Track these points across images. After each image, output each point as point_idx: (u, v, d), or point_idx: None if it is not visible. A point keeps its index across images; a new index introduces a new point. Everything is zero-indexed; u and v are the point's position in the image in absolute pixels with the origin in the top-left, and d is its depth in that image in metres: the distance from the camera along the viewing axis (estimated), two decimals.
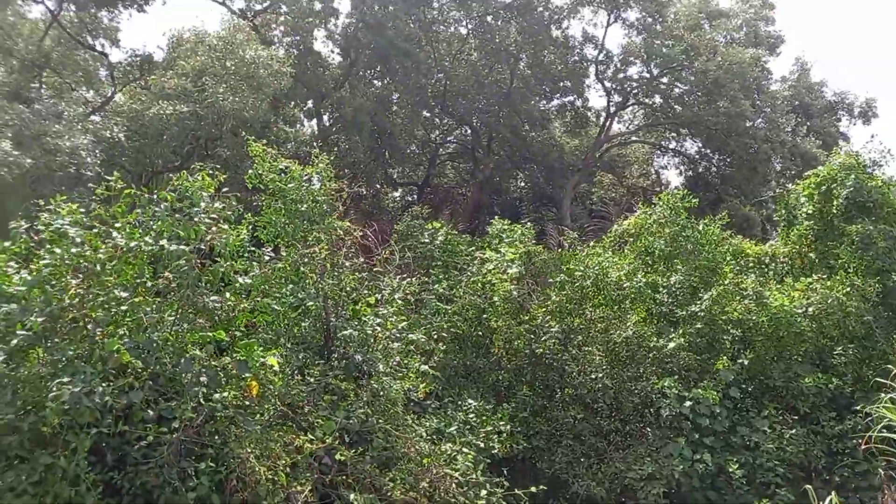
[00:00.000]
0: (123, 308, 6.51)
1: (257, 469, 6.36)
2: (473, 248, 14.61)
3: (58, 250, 6.36)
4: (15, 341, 5.89)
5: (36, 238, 6.67)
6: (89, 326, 6.30)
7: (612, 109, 31.61)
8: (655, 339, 12.21)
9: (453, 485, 7.62)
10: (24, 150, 13.30)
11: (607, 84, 30.63)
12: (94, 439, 5.79)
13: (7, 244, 6.67)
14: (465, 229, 19.63)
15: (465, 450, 8.50)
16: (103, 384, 5.89)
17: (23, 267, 6.55)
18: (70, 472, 5.61)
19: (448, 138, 33.89)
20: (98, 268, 6.48)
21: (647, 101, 31.95)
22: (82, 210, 6.93)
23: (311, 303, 8.65)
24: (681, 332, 12.37)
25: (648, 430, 11.49)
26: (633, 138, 34.91)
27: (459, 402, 10.26)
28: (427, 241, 14.44)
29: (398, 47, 23.91)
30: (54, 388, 5.56)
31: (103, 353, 6.09)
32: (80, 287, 6.33)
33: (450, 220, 19.04)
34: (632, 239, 14.74)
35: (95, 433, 5.78)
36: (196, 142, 16.63)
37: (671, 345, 12.00)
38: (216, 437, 6.51)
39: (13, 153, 12.97)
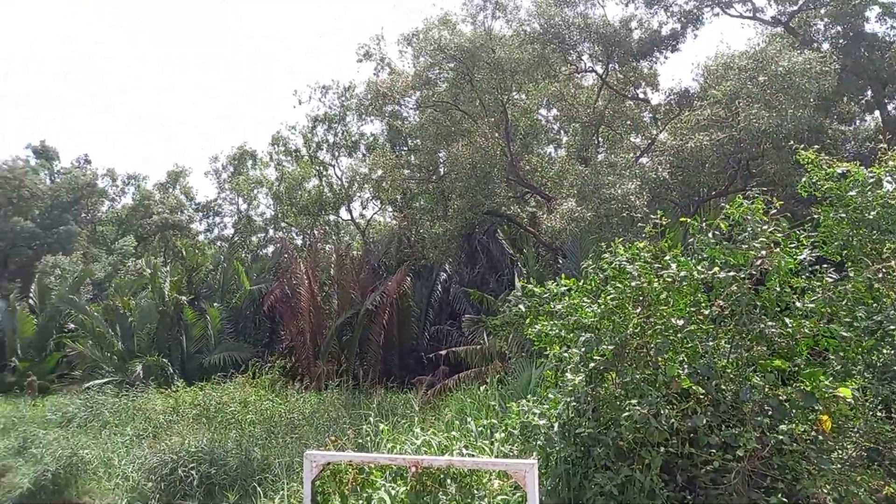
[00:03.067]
0: (680, 335, 6.85)
1: None
2: None
3: (620, 285, 7.17)
4: (592, 365, 6.87)
5: (602, 276, 7.66)
6: (651, 353, 6.85)
7: None
8: None
9: None
10: (586, 204, 15.59)
11: None
12: (664, 458, 6.23)
13: (581, 283, 7.85)
14: None
15: None
16: (668, 407, 6.33)
17: (594, 301, 7.59)
18: (646, 486, 6.17)
19: None
20: (655, 298, 7.02)
21: None
22: (638, 248, 7.64)
23: (892, 326, 7.38)
24: None
25: None
26: None
27: None
28: None
29: None
30: (627, 408, 6.25)
31: (665, 377, 6.52)
32: (641, 317, 6.98)
33: None
34: None
35: (664, 452, 6.23)
36: (738, 164, 16.47)
37: None
38: (786, 472, 6.16)
39: (577, 209, 15.34)
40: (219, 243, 41.38)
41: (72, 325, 28.91)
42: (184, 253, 31.30)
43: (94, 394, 20.98)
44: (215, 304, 26.49)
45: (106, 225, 42.61)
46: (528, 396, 9.43)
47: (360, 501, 5.89)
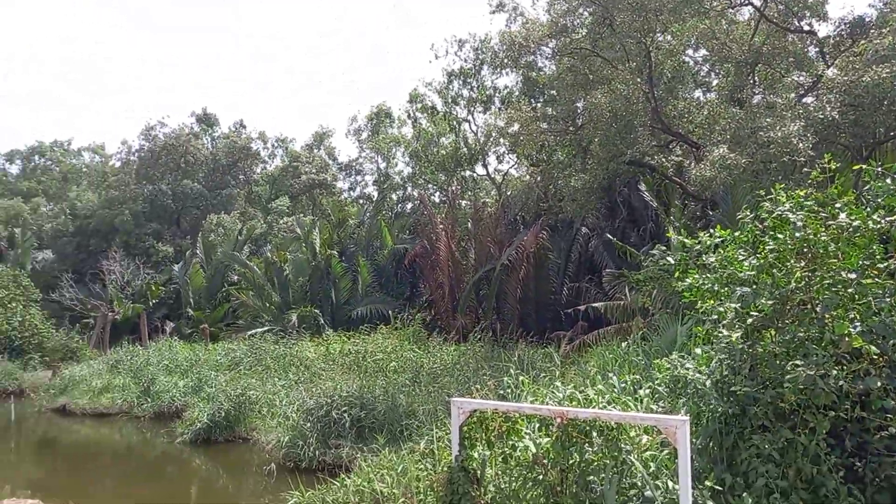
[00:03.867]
0: (851, 290, 6.24)
1: None
2: None
3: (781, 236, 6.62)
4: (749, 321, 6.44)
5: (761, 226, 7.11)
6: (817, 309, 6.30)
7: None
8: None
9: None
10: (740, 150, 14.41)
11: None
12: (831, 422, 5.77)
13: (736, 234, 7.34)
14: None
15: None
16: (836, 368, 5.82)
17: (751, 254, 7.08)
18: (811, 451, 5.76)
19: None
20: (822, 250, 6.42)
21: None
22: (801, 195, 7.00)
23: None
24: None
25: None
26: None
27: None
28: None
29: None
30: (789, 368, 5.82)
31: (833, 336, 5.99)
32: (805, 270, 6.43)
33: None
34: None
35: (833, 416, 5.76)
36: None
37: None
38: None
39: (730, 155, 14.22)
40: (361, 201, 43.22)
41: (235, 279, 31.68)
42: (330, 211, 33.02)
43: (257, 341, 22.99)
44: (360, 258, 27.84)
45: (261, 186, 45.85)
46: (675, 352, 9.10)
47: (506, 448, 6.01)
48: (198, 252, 34.88)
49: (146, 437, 17.11)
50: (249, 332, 25.00)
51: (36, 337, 28.07)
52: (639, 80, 18.34)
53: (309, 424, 13.26)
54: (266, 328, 25.37)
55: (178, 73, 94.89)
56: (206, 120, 46.08)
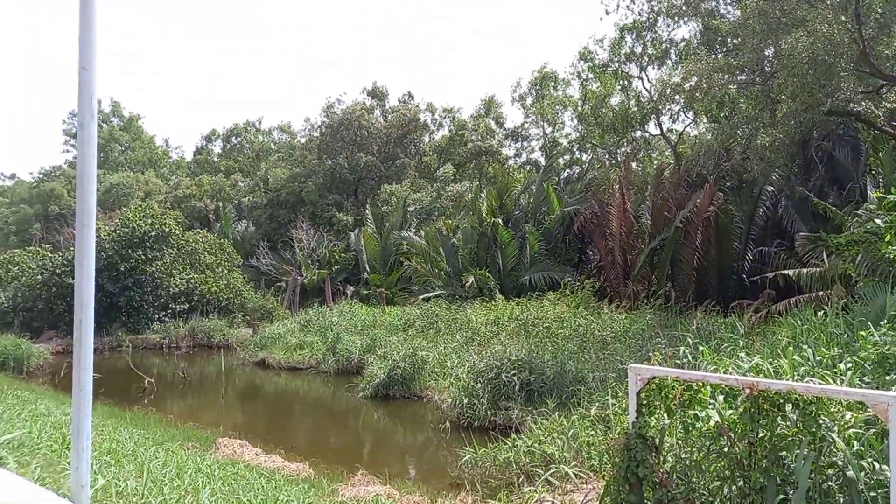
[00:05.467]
0: None
1: None
2: None
3: None
4: None
5: None
6: None
7: None
8: None
9: None
10: None
11: None
12: None
13: None
14: None
15: None
16: None
17: None
18: None
19: None
20: None
21: None
22: None
23: None
24: None
25: None
26: None
27: None
28: None
29: None
30: None
31: None
32: None
33: None
34: None
35: None
36: None
37: None
38: None
39: None
40: (527, 167, 42.98)
41: (406, 246, 33.08)
42: (496, 178, 33.21)
43: (429, 305, 23.93)
44: (527, 225, 27.77)
45: (429, 156, 47.23)
46: (884, 324, 8.10)
47: (687, 418, 5.69)
48: (371, 221, 36.88)
49: (332, 391, 18.60)
50: (422, 297, 26.10)
51: (239, 298, 31.48)
52: (843, 17, 16.17)
53: (479, 386, 13.58)
54: (436, 293, 26.30)
55: (359, 53, 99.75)
56: (377, 94, 48.14)
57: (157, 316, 29.55)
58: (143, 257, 29.45)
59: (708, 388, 5.73)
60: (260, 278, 36.50)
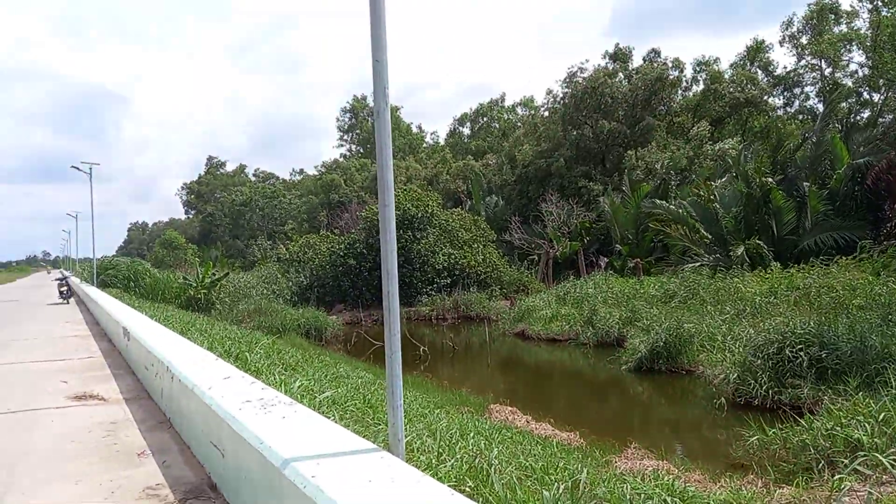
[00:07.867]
0: None
1: None
2: None
3: None
4: None
5: None
6: None
7: None
8: None
9: None
10: None
11: None
12: None
13: None
14: None
15: None
16: None
17: None
18: None
19: None
20: None
21: None
22: None
23: None
24: None
25: None
26: None
27: None
28: None
29: None
30: None
31: None
32: None
33: None
34: None
35: None
36: None
37: None
38: None
39: None
40: (800, 117, 38.00)
41: (659, 213, 31.44)
42: (769, 130, 29.84)
43: (689, 274, 22.50)
44: (806, 183, 24.58)
45: (681, 115, 44.13)
46: None
47: None
48: (624, 188, 35.69)
49: (592, 363, 18.49)
50: (684, 267, 24.63)
51: (495, 272, 32.84)
52: None
53: (759, 361, 12.40)
54: (698, 262, 24.62)
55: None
56: (619, 56, 46.04)
57: (424, 290, 32.15)
58: (411, 237, 32.20)
59: None
60: (513, 252, 37.61)
